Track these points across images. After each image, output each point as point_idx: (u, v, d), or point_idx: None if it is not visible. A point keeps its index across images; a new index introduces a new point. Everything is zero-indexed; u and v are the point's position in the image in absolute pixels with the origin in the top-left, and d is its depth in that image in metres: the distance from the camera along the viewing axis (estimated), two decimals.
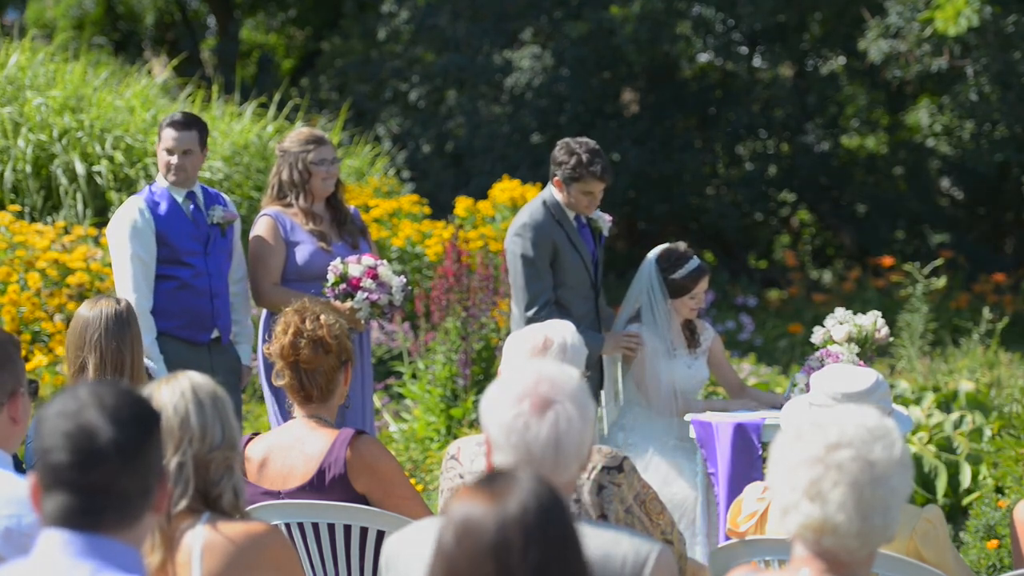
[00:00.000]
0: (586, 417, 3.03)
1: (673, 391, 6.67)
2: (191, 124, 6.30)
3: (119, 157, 10.57)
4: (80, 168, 10.37)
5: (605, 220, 6.86)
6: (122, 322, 4.78)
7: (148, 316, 6.18)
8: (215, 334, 6.37)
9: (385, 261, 6.35)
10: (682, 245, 6.80)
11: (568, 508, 2.56)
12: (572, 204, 6.63)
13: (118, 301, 4.86)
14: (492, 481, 2.54)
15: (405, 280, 6.33)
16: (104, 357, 4.74)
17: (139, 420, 2.51)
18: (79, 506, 2.49)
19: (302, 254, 6.40)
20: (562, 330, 4.24)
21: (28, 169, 10.38)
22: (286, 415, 6.21)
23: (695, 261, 6.70)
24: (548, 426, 2.99)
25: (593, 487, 4.15)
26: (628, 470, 4.18)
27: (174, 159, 6.29)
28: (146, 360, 5.53)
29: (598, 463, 4.15)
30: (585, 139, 6.68)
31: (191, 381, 3.36)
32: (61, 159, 10.48)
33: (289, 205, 6.48)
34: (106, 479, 2.48)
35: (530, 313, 6.53)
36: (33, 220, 10.18)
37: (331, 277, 6.23)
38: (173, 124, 6.29)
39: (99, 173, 10.48)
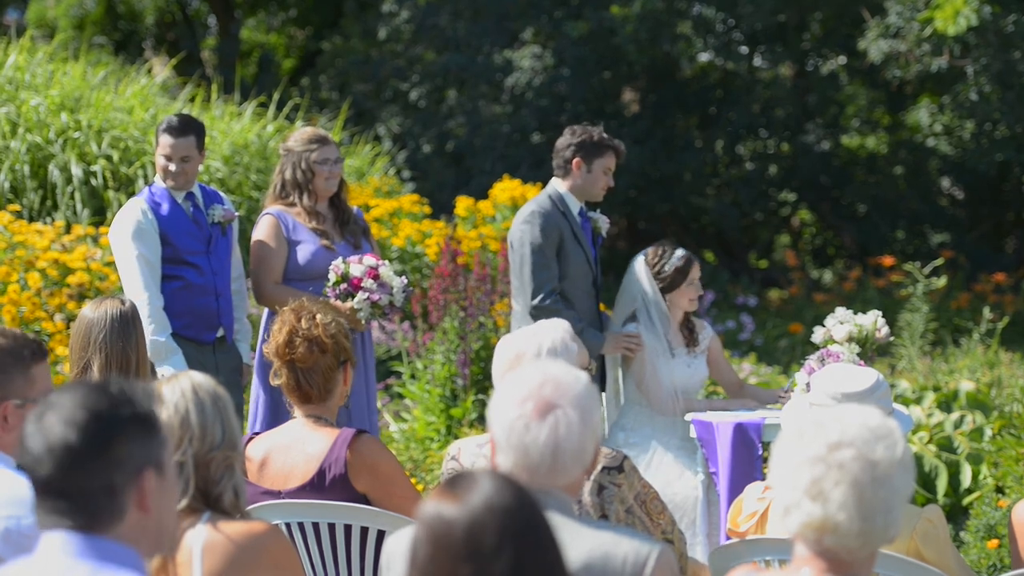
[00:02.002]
0: (588, 422, 3.01)
1: (674, 391, 6.67)
2: (188, 129, 6.25)
3: (116, 157, 10.56)
4: (77, 168, 10.36)
5: (604, 221, 6.90)
6: (127, 322, 4.79)
7: (162, 313, 6.15)
8: (220, 333, 6.36)
9: (386, 261, 6.34)
10: (665, 241, 6.85)
11: (537, 504, 2.56)
12: (590, 184, 6.65)
13: (122, 301, 4.87)
14: (453, 484, 2.56)
15: (406, 281, 6.32)
16: (110, 357, 4.75)
17: (96, 419, 2.50)
18: (50, 506, 2.52)
19: (304, 253, 6.39)
20: (542, 336, 4.16)
21: (26, 170, 10.38)
22: (283, 415, 6.21)
23: (681, 251, 6.73)
24: (547, 430, 2.99)
25: (593, 487, 4.14)
26: (628, 470, 4.18)
27: (172, 166, 6.25)
28: (162, 367, 5.54)
29: (598, 463, 4.14)
30: None
31: (192, 381, 3.36)
32: (58, 159, 10.47)
33: (292, 204, 6.47)
34: (61, 479, 2.50)
35: (535, 301, 6.54)
36: (31, 220, 10.17)
37: (332, 277, 6.22)
38: (170, 130, 6.24)
39: (94, 173, 10.47)
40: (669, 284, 6.67)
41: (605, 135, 6.69)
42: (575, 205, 6.70)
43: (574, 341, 4.18)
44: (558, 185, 6.70)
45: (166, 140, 6.24)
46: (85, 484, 2.49)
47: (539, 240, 6.56)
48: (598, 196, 6.72)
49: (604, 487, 4.11)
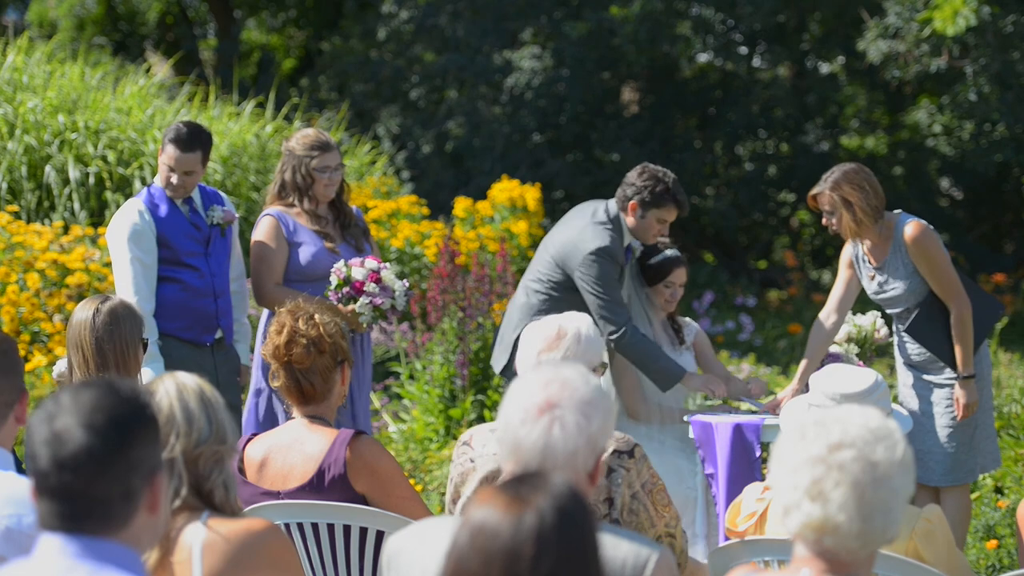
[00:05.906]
0: (587, 427, 2.99)
1: (657, 401, 6.67)
2: (195, 144, 6.13)
3: (113, 158, 10.55)
4: (74, 170, 10.35)
5: (636, 243, 6.78)
6: (117, 320, 4.77)
7: (150, 319, 6.11)
8: (218, 334, 6.34)
9: (387, 264, 6.32)
10: (668, 240, 6.85)
11: (592, 517, 2.49)
12: (641, 229, 6.49)
13: (113, 299, 4.85)
14: (518, 485, 2.49)
15: (407, 284, 6.31)
16: (102, 355, 4.74)
17: (116, 423, 2.49)
18: (61, 511, 2.50)
19: (306, 254, 6.37)
20: (577, 321, 4.21)
21: (23, 171, 10.37)
22: (280, 415, 6.21)
23: (673, 252, 6.73)
24: (540, 431, 2.98)
25: (603, 469, 4.13)
26: (639, 457, 4.18)
27: (174, 178, 6.18)
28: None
29: (609, 446, 4.13)
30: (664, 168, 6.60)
31: (175, 380, 3.37)
32: (56, 160, 10.47)
33: (292, 205, 6.45)
34: (81, 485, 2.47)
35: (614, 337, 6.42)
36: (29, 221, 10.17)
37: (334, 280, 6.19)
38: (177, 142, 6.12)
39: (90, 174, 10.46)
40: (650, 278, 6.70)
41: (671, 185, 6.44)
42: (627, 238, 6.60)
43: (599, 337, 4.27)
44: (621, 215, 6.52)
45: (172, 151, 6.13)
46: (105, 490, 2.47)
47: (611, 275, 6.41)
48: (648, 241, 6.57)
49: (613, 469, 4.11)
